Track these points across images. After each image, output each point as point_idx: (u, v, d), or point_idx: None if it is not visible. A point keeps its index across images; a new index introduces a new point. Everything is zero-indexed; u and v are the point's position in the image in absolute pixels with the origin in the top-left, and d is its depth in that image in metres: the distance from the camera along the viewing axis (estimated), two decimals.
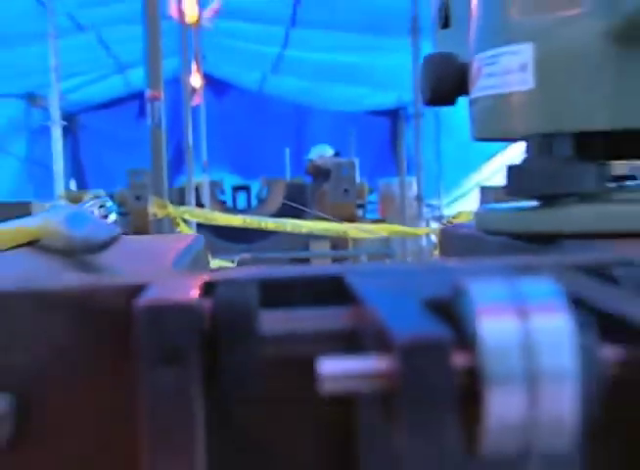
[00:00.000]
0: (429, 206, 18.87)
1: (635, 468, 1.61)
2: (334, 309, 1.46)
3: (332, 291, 1.56)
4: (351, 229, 12.03)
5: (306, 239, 16.38)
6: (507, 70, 2.09)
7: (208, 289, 1.45)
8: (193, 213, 10.63)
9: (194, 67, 16.52)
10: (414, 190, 17.59)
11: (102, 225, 2.18)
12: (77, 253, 2.13)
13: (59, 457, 1.62)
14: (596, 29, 2.00)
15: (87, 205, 2.65)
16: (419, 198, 16.81)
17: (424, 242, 17.62)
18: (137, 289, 1.43)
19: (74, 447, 1.60)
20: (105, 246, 2.14)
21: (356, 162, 18.35)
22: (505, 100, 2.12)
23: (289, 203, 17.40)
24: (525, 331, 1.18)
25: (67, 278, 1.59)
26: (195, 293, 1.39)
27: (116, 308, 1.49)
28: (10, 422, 1.46)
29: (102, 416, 1.57)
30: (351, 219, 15.69)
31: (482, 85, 2.15)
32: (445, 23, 2.45)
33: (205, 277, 1.52)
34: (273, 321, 1.42)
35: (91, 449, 1.61)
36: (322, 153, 19.87)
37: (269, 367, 1.43)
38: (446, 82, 2.28)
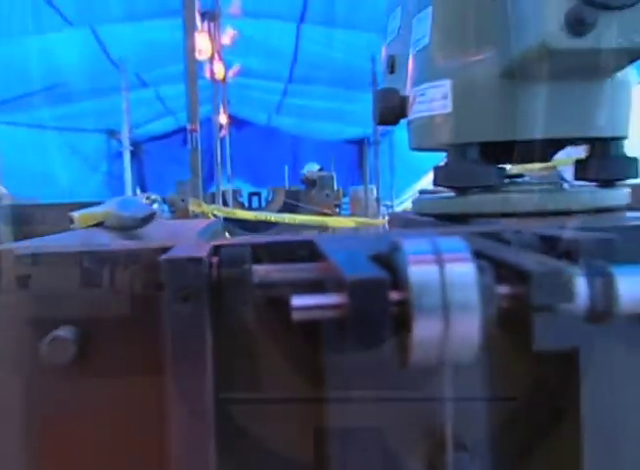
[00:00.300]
0: (385, 205, 19.08)
1: (518, 364, 1.64)
2: (306, 264, 1.46)
3: (305, 252, 1.56)
4: (330, 221, 12.20)
5: (300, 229, 16.47)
6: (432, 99, 2.07)
7: (216, 250, 1.46)
8: (220, 210, 10.67)
9: (221, 110, 16.54)
10: (374, 194, 17.86)
11: (143, 207, 2.19)
12: (126, 228, 2.14)
13: (108, 376, 1.62)
14: (493, 70, 1.98)
15: (138, 196, 2.64)
16: (378, 200, 17.07)
17: (381, 230, 17.74)
18: (166, 249, 1.45)
19: (119, 369, 1.61)
20: (145, 220, 2.16)
21: (334, 175, 18.60)
22: (431, 120, 2.09)
23: (288, 202, 17.58)
24: (442, 274, 1.18)
25: (116, 244, 1.59)
26: (205, 252, 1.40)
27: (150, 263, 1.50)
28: (73, 347, 1.49)
29: (140, 344, 1.58)
30: (331, 214, 15.83)
31: (416, 110, 2.13)
32: (391, 70, 2.41)
33: (215, 243, 1.52)
34: (262, 272, 1.42)
35: (133, 371, 1.61)
36: (311, 168, 19.98)
37: (259, 305, 1.46)
38: (391, 109, 2.26)
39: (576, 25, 1.77)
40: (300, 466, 1.75)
